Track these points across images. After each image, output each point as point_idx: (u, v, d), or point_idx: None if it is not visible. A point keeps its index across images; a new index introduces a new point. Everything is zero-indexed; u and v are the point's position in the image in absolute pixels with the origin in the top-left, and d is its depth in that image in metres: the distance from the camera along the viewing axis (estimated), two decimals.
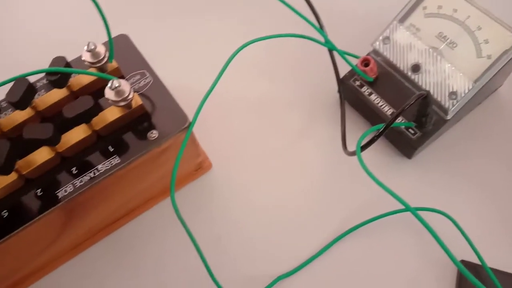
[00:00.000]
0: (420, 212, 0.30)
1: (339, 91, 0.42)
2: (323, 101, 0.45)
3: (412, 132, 0.38)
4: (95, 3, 0.32)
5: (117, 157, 0.33)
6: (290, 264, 0.37)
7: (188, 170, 0.40)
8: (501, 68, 0.36)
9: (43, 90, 0.36)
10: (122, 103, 0.32)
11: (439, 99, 0.37)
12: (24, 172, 0.32)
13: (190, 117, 0.34)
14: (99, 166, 0.33)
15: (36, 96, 0.35)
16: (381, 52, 0.40)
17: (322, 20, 0.39)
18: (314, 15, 0.39)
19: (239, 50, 0.36)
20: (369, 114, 0.41)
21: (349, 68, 0.41)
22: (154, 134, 0.34)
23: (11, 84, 0.32)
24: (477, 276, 0.35)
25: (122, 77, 0.36)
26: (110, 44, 0.34)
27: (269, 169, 0.42)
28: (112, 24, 0.34)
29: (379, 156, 0.41)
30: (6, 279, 0.37)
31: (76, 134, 0.32)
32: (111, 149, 0.33)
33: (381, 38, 0.40)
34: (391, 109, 0.39)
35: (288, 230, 0.39)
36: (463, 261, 0.36)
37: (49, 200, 0.32)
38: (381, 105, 0.39)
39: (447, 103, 0.37)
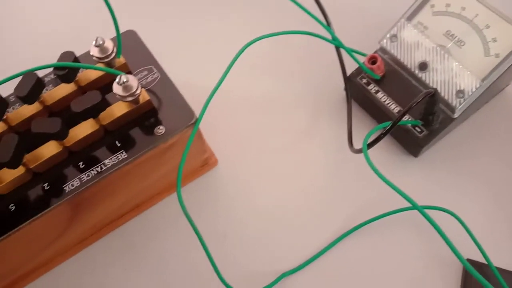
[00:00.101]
0: (426, 211, 0.30)
1: (345, 88, 0.42)
2: (329, 98, 0.44)
3: (419, 130, 0.38)
4: None
5: (124, 152, 0.33)
6: (294, 261, 0.37)
7: (194, 166, 0.41)
8: (509, 67, 0.36)
9: (51, 85, 0.36)
10: (130, 99, 0.32)
11: (446, 97, 0.37)
12: (32, 166, 0.32)
13: (197, 113, 0.34)
14: (106, 161, 0.33)
15: (44, 91, 0.36)
16: (388, 50, 0.40)
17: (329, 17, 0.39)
18: (322, 12, 0.39)
19: (246, 47, 0.36)
20: (376, 112, 0.41)
21: (355, 65, 0.41)
22: (161, 129, 0.34)
23: (19, 78, 0.32)
24: (483, 276, 0.34)
25: (129, 72, 0.36)
26: (118, 39, 0.34)
27: (274, 166, 0.42)
28: (120, 20, 0.34)
29: (385, 154, 0.41)
30: (12, 273, 0.37)
31: (84, 129, 0.32)
32: (118, 144, 0.33)
33: (388, 36, 0.40)
34: (397, 107, 0.39)
35: (293, 227, 0.39)
36: (469, 260, 0.36)
37: (56, 194, 0.32)
38: (388, 103, 0.39)
39: (454, 101, 0.37)
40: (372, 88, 0.40)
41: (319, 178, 0.41)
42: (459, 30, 0.38)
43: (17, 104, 0.36)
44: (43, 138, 0.31)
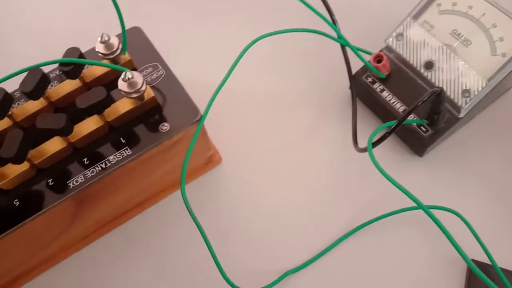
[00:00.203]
0: (430, 211, 0.30)
1: (350, 87, 0.42)
2: (333, 97, 0.44)
3: (424, 129, 0.38)
4: None
5: (128, 148, 0.33)
6: (298, 260, 0.37)
7: (198, 164, 0.40)
8: None
9: (56, 81, 0.36)
10: (135, 95, 0.32)
11: (452, 96, 0.37)
12: (36, 162, 0.32)
13: (201, 110, 0.34)
14: (111, 157, 0.33)
15: (49, 86, 0.36)
16: (394, 48, 0.39)
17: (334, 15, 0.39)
18: (327, 10, 0.38)
19: (250, 45, 0.36)
20: (381, 111, 0.41)
21: (360, 64, 0.41)
22: (165, 126, 0.34)
23: (25, 74, 0.32)
24: (487, 276, 0.34)
25: (134, 69, 0.36)
26: (124, 36, 0.34)
27: (278, 165, 0.42)
28: (125, 17, 0.34)
29: (390, 154, 0.41)
30: (16, 268, 0.37)
31: (89, 125, 0.32)
32: (123, 141, 0.33)
33: (394, 34, 0.40)
34: (403, 106, 0.39)
35: (297, 225, 0.39)
36: (473, 261, 0.36)
37: (60, 190, 0.32)
38: (393, 102, 0.39)
39: (460, 101, 0.37)
40: (378, 87, 0.40)
41: (323, 176, 0.41)
42: (466, 29, 0.37)
43: (22, 100, 0.36)
44: (48, 134, 0.31)
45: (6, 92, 0.32)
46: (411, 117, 0.38)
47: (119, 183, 0.35)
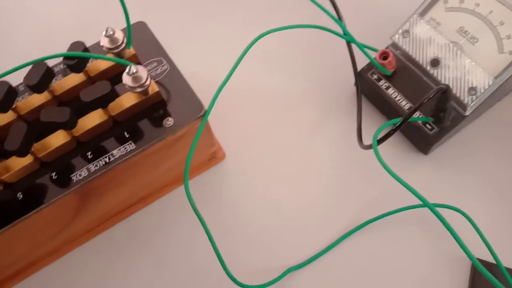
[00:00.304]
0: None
1: (356, 84, 0.42)
2: (338, 94, 0.44)
3: (429, 127, 0.38)
4: None
5: (132, 143, 0.33)
6: (300, 256, 0.37)
7: (202, 160, 0.40)
8: None
9: (60, 75, 0.36)
10: (139, 89, 0.32)
11: (458, 94, 0.37)
12: (40, 155, 0.32)
13: (206, 106, 0.34)
14: (114, 152, 0.33)
15: (54, 80, 0.36)
16: (400, 45, 0.39)
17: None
18: (333, 6, 0.38)
19: (255, 41, 0.36)
20: (386, 108, 0.41)
21: (365, 61, 0.40)
22: (169, 121, 0.34)
23: (29, 68, 0.32)
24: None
25: (139, 63, 0.36)
26: (129, 30, 0.34)
27: (282, 161, 0.41)
28: (130, 11, 0.34)
29: (394, 151, 0.41)
30: (19, 261, 0.37)
31: (93, 119, 0.32)
32: (127, 135, 0.33)
33: (400, 31, 0.39)
34: (408, 103, 0.39)
35: (299, 223, 0.39)
36: (478, 260, 0.35)
37: (64, 184, 0.32)
38: (399, 100, 0.39)
39: (466, 98, 0.36)
40: (383, 84, 0.40)
41: (326, 174, 0.41)
42: (473, 27, 0.37)
43: (27, 94, 0.36)
44: (52, 127, 0.31)
45: (10, 86, 0.32)
46: (416, 114, 0.38)
47: (122, 178, 0.35)
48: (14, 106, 0.33)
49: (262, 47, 0.38)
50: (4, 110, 0.32)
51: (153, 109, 0.34)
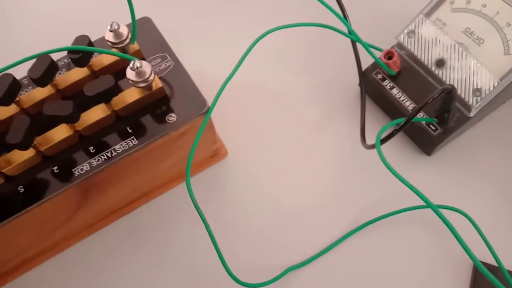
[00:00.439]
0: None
1: (360, 84, 0.41)
2: (342, 93, 0.44)
3: (433, 128, 0.38)
4: None
5: (134, 138, 0.33)
6: (301, 256, 0.37)
7: (204, 156, 0.40)
8: None
9: (64, 69, 0.36)
10: (143, 85, 0.32)
11: (462, 95, 0.36)
12: (42, 149, 0.32)
13: (209, 103, 0.34)
14: (117, 147, 0.33)
15: (57, 74, 0.36)
16: (405, 45, 0.39)
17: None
18: (339, 4, 0.38)
19: (259, 39, 0.36)
20: (390, 108, 0.40)
21: (369, 60, 0.40)
22: (172, 117, 0.34)
23: (33, 61, 0.32)
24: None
25: (143, 59, 0.36)
26: (134, 25, 0.34)
27: (284, 160, 0.41)
28: (135, 7, 0.34)
29: (398, 152, 0.41)
30: (19, 255, 0.37)
31: (95, 114, 0.32)
32: (129, 130, 0.33)
33: (406, 31, 0.39)
34: (412, 104, 0.39)
35: (301, 222, 0.39)
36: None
37: (66, 178, 0.32)
38: (403, 100, 0.39)
39: (470, 99, 0.36)
40: (387, 84, 0.40)
41: (329, 173, 0.41)
42: (479, 28, 0.37)
43: (30, 87, 0.35)
44: (55, 121, 0.31)
45: (14, 78, 0.32)
46: (420, 115, 0.38)
47: (124, 173, 0.35)
48: (17, 99, 0.33)
49: (267, 45, 0.38)
50: (7, 103, 0.32)
51: (156, 104, 0.34)
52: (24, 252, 0.37)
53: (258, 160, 0.42)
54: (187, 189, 0.33)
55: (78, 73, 0.34)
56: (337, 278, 0.36)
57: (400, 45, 0.40)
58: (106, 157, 0.32)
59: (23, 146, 0.30)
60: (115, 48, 0.34)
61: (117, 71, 0.35)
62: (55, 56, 0.33)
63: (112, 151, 0.32)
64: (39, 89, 0.34)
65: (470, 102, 0.36)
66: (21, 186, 0.32)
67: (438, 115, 0.37)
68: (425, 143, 0.39)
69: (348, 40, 0.40)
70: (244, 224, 0.39)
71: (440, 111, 0.36)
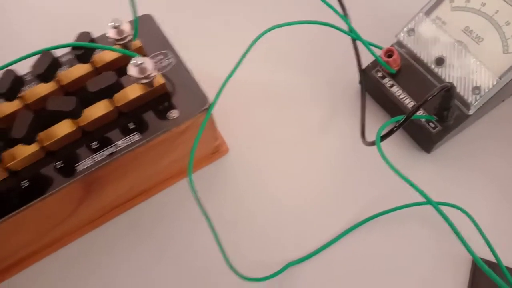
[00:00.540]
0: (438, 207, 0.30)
1: (360, 81, 0.42)
2: (342, 91, 0.44)
3: (433, 126, 0.38)
4: None
5: (137, 134, 0.33)
6: (301, 251, 0.37)
7: (205, 153, 0.41)
8: None
9: (66, 66, 0.37)
10: (144, 81, 0.32)
11: (462, 93, 0.37)
12: (46, 144, 0.32)
13: (210, 99, 0.34)
14: (119, 142, 0.33)
15: (60, 70, 0.36)
16: (405, 43, 0.39)
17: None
18: (339, 3, 0.38)
19: (260, 36, 0.36)
20: (390, 106, 0.41)
21: (370, 58, 0.40)
22: (174, 114, 0.34)
23: (36, 57, 0.32)
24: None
25: (145, 56, 0.36)
26: (136, 22, 0.34)
27: (285, 156, 0.42)
28: (137, 4, 0.34)
29: (397, 149, 0.41)
30: (22, 249, 0.37)
31: (98, 109, 0.33)
32: (132, 126, 0.34)
33: (405, 29, 0.40)
34: (412, 101, 0.39)
35: (301, 218, 0.39)
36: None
37: (69, 173, 0.32)
38: (403, 98, 0.39)
39: (470, 97, 0.36)
40: (387, 82, 0.40)
41: (329, 170, 0.41)
42: (478, 26, 0.37)
43: (33, 83, 0.36)
44: (58, 116, 0.32)
45: (16, 74, 0.32)
46: (420, 112, 0.38)
47: (126, 168, 0.35)
48: (20, 95, 0.33)
49: (267, 43, 0.38)
50: (11, 99, 0.32)
51: (158, 101, 0.34)
52: (26, 247, 0.37)
53: (259, 156, 0.42)
54: (189, 184, 0.33)
55: (80, 69, 0.35)
56: (337, 273, 0.37)
57: (400, 43, 0.40)
58: (108, 153, 0.33)
59: (27, 141, 0.31)
60: (117, 44, 0.34)
61: (119, 67, 0.35)
62: (57, 53, 0.34)
63: (115, 146, 0.33)
64: (42, 85, 0.34)
65: (469, 100, 0.36)
66: (25, 181, 0.32)
67: (437, 112, 0.37)
68: (425, 140, 0.39)
69: (348, 39, 0.40)
70: (245, 220, 0.39)
71: (440, 109, 0.37)
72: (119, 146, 0.33)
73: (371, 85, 0.41)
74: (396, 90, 0.40)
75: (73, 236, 0.39)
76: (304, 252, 0.37)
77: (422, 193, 0.30)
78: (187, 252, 0.38)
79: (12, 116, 0.33)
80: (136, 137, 0.33)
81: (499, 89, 0.36)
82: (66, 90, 0.35)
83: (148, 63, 0.32)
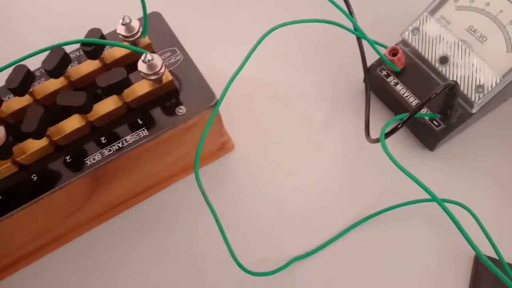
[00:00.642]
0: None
1: (365, 80, 0.42)
2: (346, 89, 0.45)
3: (436, 124, 0.38)
4: None
5: (145, 130, 0.34)
6: (306, 247, 0.38)
7: (211, 149, 0.41)
8: None
9: (76, 62, 0.37)
10: (153, 77, 0.33)
11: (465, 92, 0.37)
12: (55, 139, 0.33)
13: (217, 96, 0.35)
14: (128, 137, 0.33)
15: (70, 66, 0.36)
16: (410, 42, 0.40)
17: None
18: (345, 1, 0.39)
19: (266, 35, 0.36)
20: (394, 104, 0.41)
21: (373, 57, 0.41)
22: (182, 109, 0.34)
23: (47, 53, 0.33)
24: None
25: (153, 53, 0.37)
26: (145, 19, 0.35)
27: (290, 153, 0.42)
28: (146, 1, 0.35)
29: (401, 147, 0.41)
30: (28, 244, 0.38)
31: (107, 105, 0.33)
32: (140, 122, 0.34)
33: (410, 28, 0.40)
34: (416, 100, 0.39)
35: (305, 214, 0.39)
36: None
37: (77, 167, 0.33)
38: (407, 96, 0.40)
39: (473, 96, 0.37)
40: (392, 80, 0.40)
41: (333, 167, 0.41)
42: (482, 26, 0.38)
43: (43, 79, 0.36)
44: (68, 111, 0.32)
45: (28, 69, 0.32)
46: (424, 110, 0.39)
47: (134, 164, 0.36)
48: (30, 90, 0.34)
49: (272, 41, 0.38)
50: (22, 94, 0.33)
51: (166, 97, 0.35)
52: (33, 241, 0.38)
53: (264, 153, 0.42)
54: (196, 180, 0.33)
55: (90, 66, 0.35)
56: (341, 268, 0.37)
57: (404, 42, 0.40)
58: (117, 148, 0.33)
59: (37, 135, 0.31)
60: (127, 41, 0.35)
61: (128, 64, 0.36)
62: (67, 49, 0.34)
63: (124, 141, 0.33)
64: (51, 80, 0.34)
65: (473, 99, 0.37)
66: (35, 175, 0.33)
67: (441, 111, 0.38)
68: (428, 138, 0.40)
69: (352, 37, 0.41)
70: (249, 216, 0.40)
71: (443, 107, 0.37)
72: (128, 141, 0.33)
73: (375, 83, 0.42)
74: (400, 88, 0.40)
75: (79, 231, 0.40)
76: (308, 248, 0.38)
77: (427, 190, 0.30)
78: (192, 247, 0.39)
79: (22, 111, 0.33)
80: (144, 132, 0.34)
81: (502, 88, 0.37)
82: (76, 85, 0.35)
83: (157, 59, 0.32)
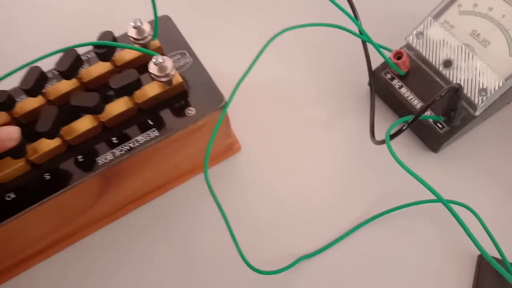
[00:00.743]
0: (443, 205, 0.31)
1: (370, 83, 0.43)
2: (351, 92, 0.45)
3: (440, 126, 0.39)
4: None
5: (155, 130, 0.34)
6: (312, 246, 0.38)
7: (218, 150, 0.42)
8: None
9: (87, 64, 0.38)
10: (164, 79, 0.33)
11: (468, 95, 0.38)
12: (68, 138, 0.33)
13: (226, 98, 0.36)
14: (138, 138, 0.34)
15: (82, 68, 0.37)
16: (414, 46, 0.41)
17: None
18: (350, 5, 0.39)
19: (273, 39, 0.37)
20: (399, 106, 0.42)
21: (378, 60, 0.42)
22: (191, 111, 0.35)
23: (60, 55, 0.33)
24: (497, 270, 0.35)
25: (163, 55, 0.37)
26: (156, 22, 0.36)
27: (296, 154, 0.43)
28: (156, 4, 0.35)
29: (405, 149, 0.42)
30: (40, 241, 0.38)
31: (119, 106, 0.34)
32: (150, 123, 0.35)
33: (414, 33, 0.41)
34: (420, 102, 0.40)
35: (311, 214, 0.40)
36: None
37: (89, 167, 0.34)
38: (411, 99, 0.40)
39: (476, 99, 0.38)
40: (396, 83, 0.41)
41: (339, 168, 0.42)
42: (485, 30, 0.38)
43: (55, 80, 0.37)
44: (81, 112, 0.33)
45: (42, 71, 0.33)
46: (428, 113, 0.39)
47: (144, 163, 0.36)
48: (43, 91, 0.35)
49: (277, 44, 0.39)
50: (35, 95, 0.34)
51: (176, 99, 0.36)
52: (44, 238, 0.38)
53: (270, 154, 0.43)
54: (205, 179, 0.34)
55: (101, 67, 0.36)
56: (347, 267, 0.38)
57: (409, 46, 0.41)
58: (128, 148, 0.34)
59: (50, 135, 0.32)
60: (137, 44, 0.36)
61: (138, 66, 0.36)
62: (79, 51, 0.35)
63: (135, 141, 0.34)
64: (64, 81, 0.35)
65: (476, 101, 0.38)
66: (47, 174, 0.33)
67: (445, 113, 0.38)
68: (432, 140, 0.40)
69: (357, 40, 0.41)
70: (256, 216, 0.40)
71: (447, 110, 0.38)
72: (139, 142, 0.34)
73: (380, 86, 0.42)
74: (404, 91, 0.41)
75: (89, 230, 0.40)
76: (315, 247, 0.38)
77: (433, 191, 0.31)
78: (200, 246, 0.39)
79: (34, 112, 0.34)
80: (154, 133, 0.34)
81: (505, 91, 0.37)
82: (87, 87, 0.36)
83: (167, 62, 0.33)
